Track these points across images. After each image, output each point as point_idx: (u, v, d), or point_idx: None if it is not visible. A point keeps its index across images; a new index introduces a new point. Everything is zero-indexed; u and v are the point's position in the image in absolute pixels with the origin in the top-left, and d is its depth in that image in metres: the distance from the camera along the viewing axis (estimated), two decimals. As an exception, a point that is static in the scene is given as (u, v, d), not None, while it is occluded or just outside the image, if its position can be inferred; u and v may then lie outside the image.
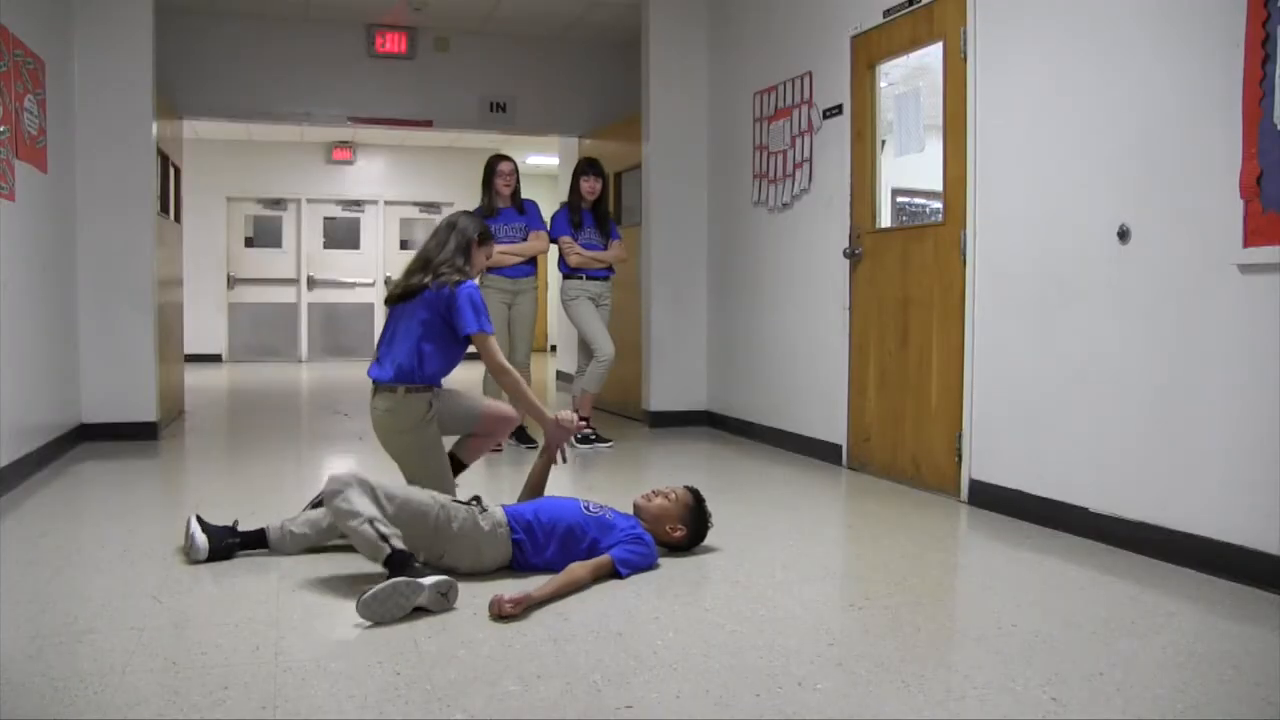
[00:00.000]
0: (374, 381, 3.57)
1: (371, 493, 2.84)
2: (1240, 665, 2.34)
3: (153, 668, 2.27)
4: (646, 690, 2.16)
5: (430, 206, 13.26)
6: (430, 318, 3.48)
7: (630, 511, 3.26)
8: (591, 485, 4.80)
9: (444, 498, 3.05)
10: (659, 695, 2.14)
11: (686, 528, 3.26)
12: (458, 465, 3.79)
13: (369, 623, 2.57)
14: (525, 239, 5.76)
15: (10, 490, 4.23)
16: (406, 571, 2.67)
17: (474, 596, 2.85)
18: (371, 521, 2.77)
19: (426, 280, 3.51)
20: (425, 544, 2.92)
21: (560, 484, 4.98)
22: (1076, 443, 3.61)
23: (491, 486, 4.52)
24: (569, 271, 5.97)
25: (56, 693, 2.12)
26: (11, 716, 2.00)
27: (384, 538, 2.75)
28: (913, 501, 4.26)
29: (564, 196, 10.60)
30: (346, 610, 2.78)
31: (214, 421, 7.17)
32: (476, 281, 3.67)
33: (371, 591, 2.58)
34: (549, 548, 3.01)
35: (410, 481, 3.46)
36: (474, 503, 3.07)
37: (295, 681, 2.19)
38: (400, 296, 3.57)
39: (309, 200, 12.94)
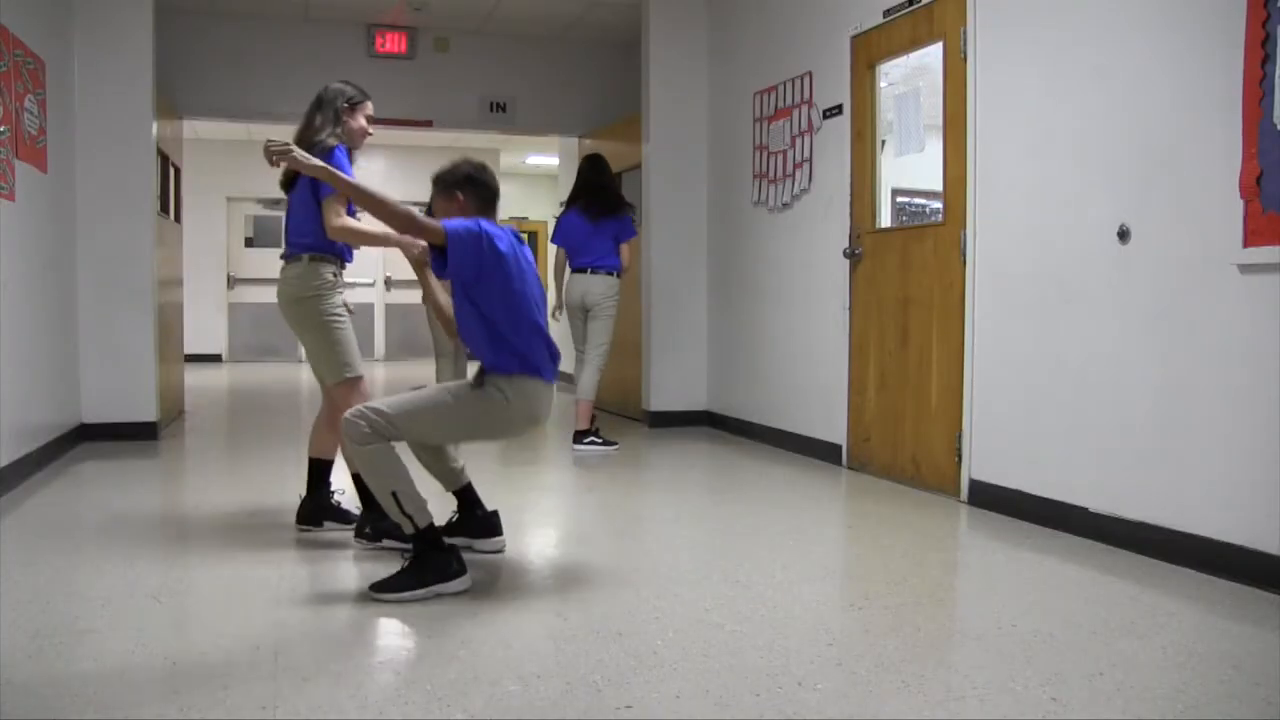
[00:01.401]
0: (284, 261, 3.50)
1: (386, 426, 2.84)
2: (1240, 665, 2.34)
3: (153, 668, 2.27)
4: (646, 690, 2.16)
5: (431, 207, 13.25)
6: (316, 192, 3.36)
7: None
8: (592, 486, 4.81)
9: (451, 384, 3.06)
10: (659, 695, 2.14)
11: (461, 189, 3.10)
12: (320, 467, 3.63)
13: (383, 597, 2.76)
14: None
15: (10, 490, 4.23)
16: (433, 556, 2.81)
17: (474, 597, 2.85)
18: (395, 494, 2.82)
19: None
20: (468, 433, 3.04)
21: (560, 485, 4.98)
22: (1076, 443, 3.61)
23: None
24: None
25: (56, 693, 2.12)
26: (11, 716, 2.00)
27: (407, 514, 2.83)
28: (913, 501, 4.26)
29: (564, 196, 10.59)
30: (346, 610, 2.78)
31: (214, 421, 7.17)
32: (360, 146, 3.56)
33: (398, 595, 2.75)
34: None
35: (311, 360, 3.51)
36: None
37: (295, 681, 2.19)
38: (288, 183, 3.47)
39: (309, 200, 12.93)
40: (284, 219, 3.56)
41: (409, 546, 2.92)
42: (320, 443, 3.65)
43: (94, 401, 5.70)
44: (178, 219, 7.20)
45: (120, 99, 5.73)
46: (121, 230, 5.76)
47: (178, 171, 7.08)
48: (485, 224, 2.97)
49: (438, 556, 2.84)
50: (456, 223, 2.92)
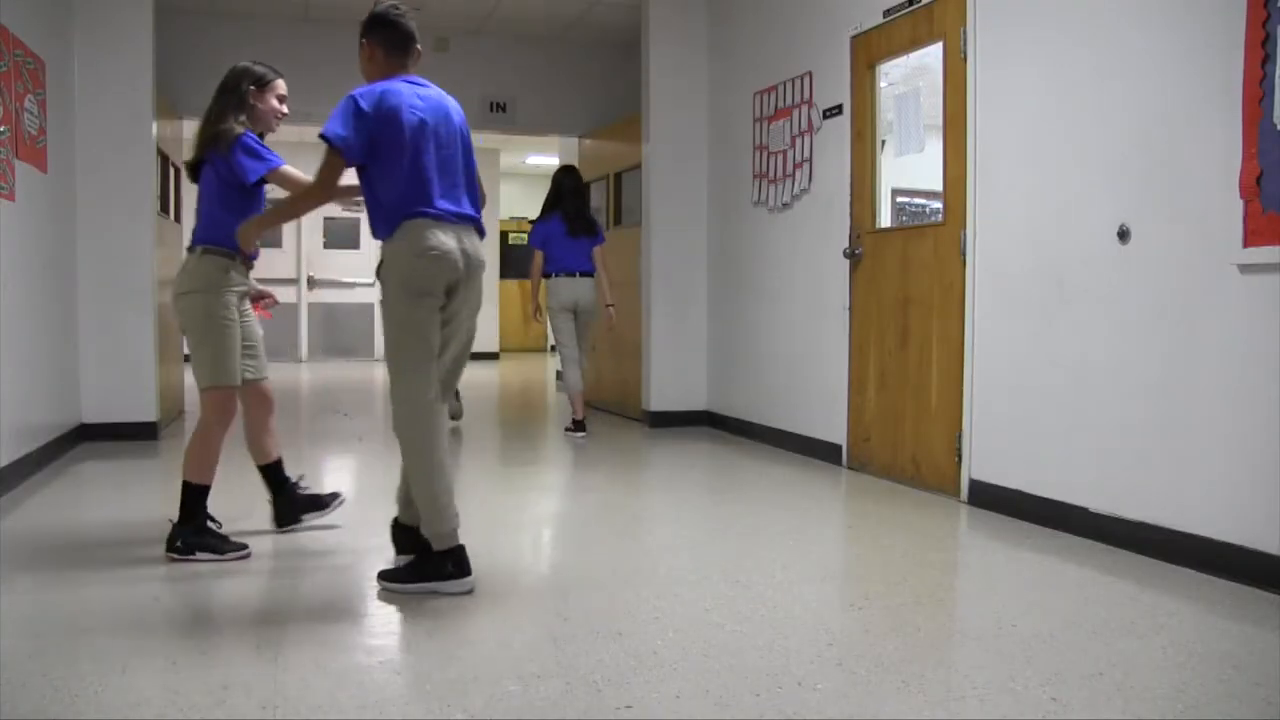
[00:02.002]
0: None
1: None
2: (1240, 665, 2.34)
3: (153, 668, 2.27)
4: (646, 690, 2.16)
5: (430, 206, 13.24)
6: (219, 183, 3.24)
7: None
8: (592, 486, 4.81)
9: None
10: (659, 695, 2.14)
11: (366, 36, 3.06)
12: (273, 469, 3.58)
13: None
14: None
15: (10, 490, 4.23)
16: (443, 568, 2.83)
17: (474, 596, 2.85)
18: (435, 498, 2.82)
19: (213, 151, 3.27)
20: (407, 333, 2.82)
21: (560, 485, 4.98)
22: (1076, 443, 3.61)
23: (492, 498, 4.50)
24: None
25: (56, 693, 2.12)
26: (11, 716, 2.00)
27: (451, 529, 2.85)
28: (913, 501, 4.26)
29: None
30: (347, 610, 2.79)
31: (214, 421, 7.16)
32: (274, 129, 3.46)
33: (402, 587, 2.81)
34: None
35: (192, 359, 3.25)
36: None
37: (295, 681, 2.19)
38: (194, 171, 3.34)
39: (309, 200, 12.92)
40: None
41: (222, 558, 3.11)
42: (260, 449, 3.56)
43: (94, 401, 5.70)
44: (178, 219, 7.19)
45: (120, 99, 5.73)
46: (121, 230, 5.76)
47: (178, 171, 7.07)
48: (362, 92, 2.82)
49: (436, 557, 2.85)
50: (330, 121, 2.79)
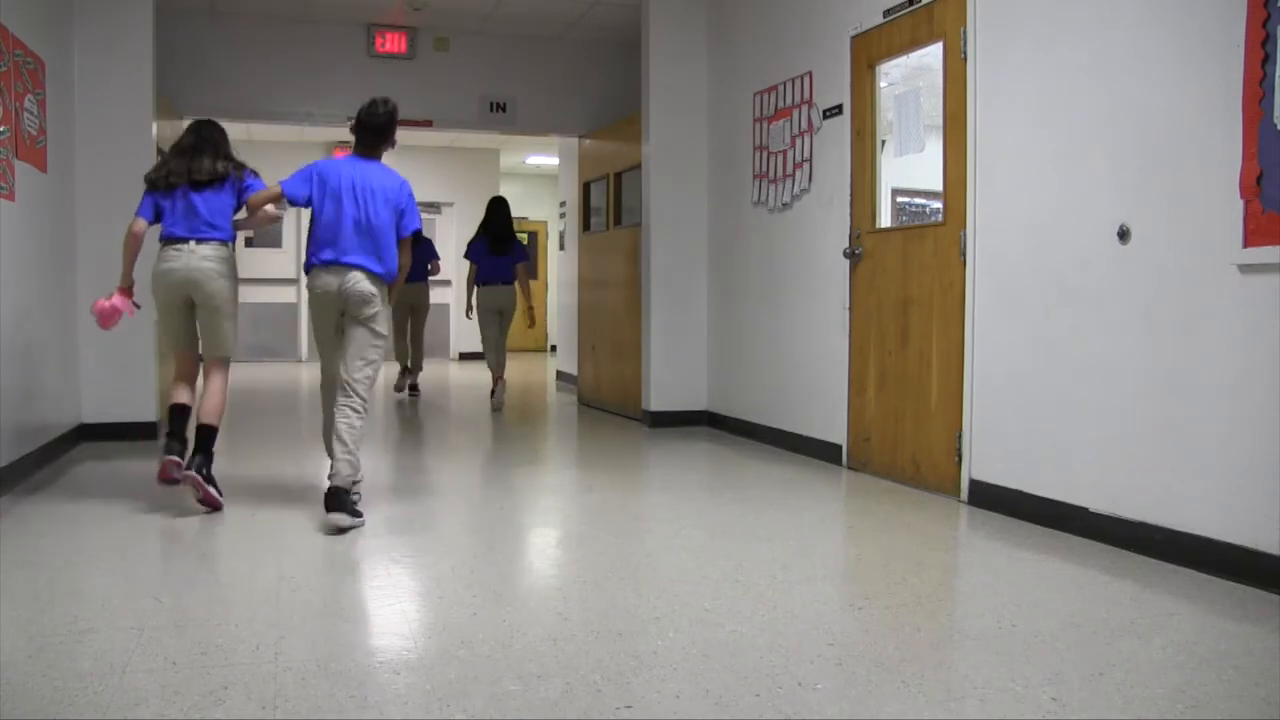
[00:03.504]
0: (196, 242, 4.05)
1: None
2: (1240, 665, 2.34)
3: (153, 668, 2.27)
4: (646, 690, 2.16)
5: (430, 206, 13.25)
6: (232, 198, 4.13)
7: None
8: (591, 486, 4.81)
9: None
10: (659, 695, 2.14)
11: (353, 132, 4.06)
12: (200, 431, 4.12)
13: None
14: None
15: (10, 490, 4.23)
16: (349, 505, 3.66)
17: (473, 597, 2.85)
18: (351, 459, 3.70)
19: (224, 168, 4.10)
20: (318, 338, 4.04)
21: (560, 485, 4.98)
22: (1076, 443, 3.62)
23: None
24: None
25: (56, 693, 2.12)
26: (11, 716, 2.01)
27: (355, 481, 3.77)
28: (913, 501, 4.26)
29: (564, 196, 10.60)
30: (347, 610, 2.79)
31: (214, 421, 7.16)
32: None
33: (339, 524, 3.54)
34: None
35: (221, 333, 4.14)
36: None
37: (295, 681, 2.19)
38: (208, 182, 4.06)
39: (309, 200, 12.92)
40: (198, 207, 4.05)
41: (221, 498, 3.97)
42: (206, 410, 4.13)
43: (94, 401, 5.70)
44: (178, 219, 7.18)
45: (120, 99, 5.73)
46: (121, 230, 5.68)
47: (178, 171, 7.07)
48: (322, 163, 3.97)
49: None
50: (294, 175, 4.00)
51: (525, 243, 8.41)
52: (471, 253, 7.81)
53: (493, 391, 7.73)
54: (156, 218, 4.09)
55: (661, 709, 2.07)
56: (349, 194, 3.83)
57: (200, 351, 4.20)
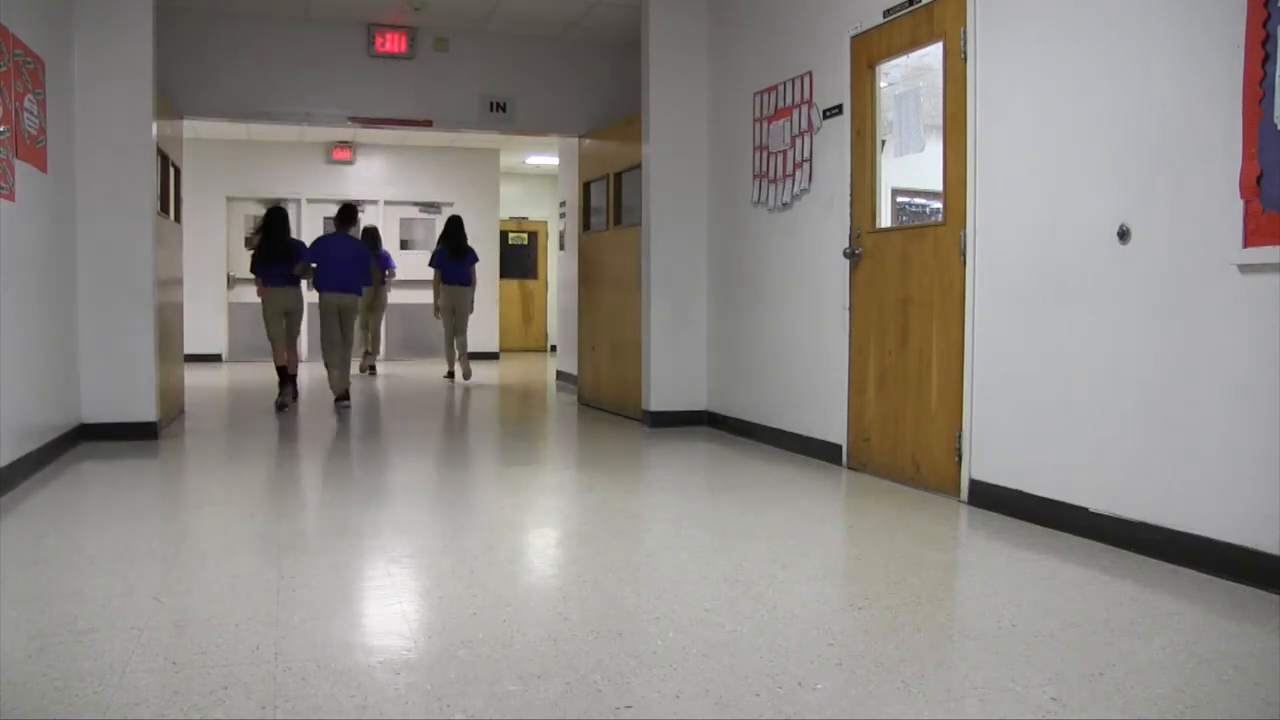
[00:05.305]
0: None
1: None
2: (1240, 665, 2.34)
3: (153, 668, 2.27)
4: (646, 690, 2.16)
5: (430, 206, 13.25)
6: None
7: None
8: (591, 486, 4.81)
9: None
10: (659, 695, 2.14)
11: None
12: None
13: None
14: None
15: (10, 490, 4.23)
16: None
17: (473, 596, 2.85)
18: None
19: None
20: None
21: (560, 485, 4.98)
22: (1076, 443, 3.62)
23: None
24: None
25: (56, 693, 2.12)
26: (11, 717, 2.01)
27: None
28: (913, 501, 4.26)
29: (564, 196, 10.63)
30: (346, 610, 2.79)
31: (214, 421, 7.17)
32: None
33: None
34: None
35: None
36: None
37: (295, 681, 2.19)
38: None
39: (309, 200, 12.93)
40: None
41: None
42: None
43: (94, 401, 5.70)
44: (178, 219, 7.20)
45: (120, 99, 5.73)
46: (121, 230, 5.76)
47: (178, 171, 7.08)
48: (319, 239, 6.59)
49: None
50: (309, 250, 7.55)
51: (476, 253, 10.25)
52: (435, 260, 9.87)
53: (450, 374, 10.08)
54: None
55: (661, 709, 2.07)
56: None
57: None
